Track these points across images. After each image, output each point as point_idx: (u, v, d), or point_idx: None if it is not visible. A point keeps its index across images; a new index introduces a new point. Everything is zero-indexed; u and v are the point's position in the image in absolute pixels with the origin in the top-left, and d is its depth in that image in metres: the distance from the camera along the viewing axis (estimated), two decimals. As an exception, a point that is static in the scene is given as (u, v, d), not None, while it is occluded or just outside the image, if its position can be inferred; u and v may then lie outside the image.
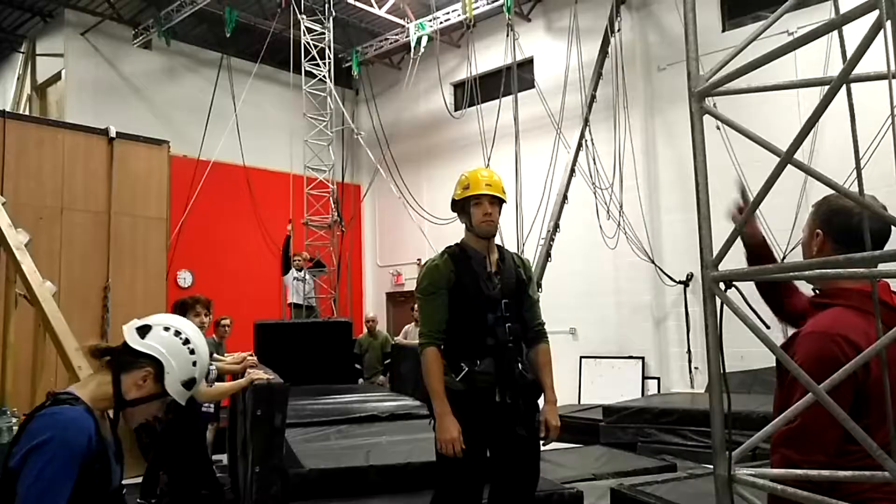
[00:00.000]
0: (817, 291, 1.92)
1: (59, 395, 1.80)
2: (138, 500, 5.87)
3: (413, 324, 9.89)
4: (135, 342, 1.83)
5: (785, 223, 7.94)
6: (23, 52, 12.37)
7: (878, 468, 1.39)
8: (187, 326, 1.92)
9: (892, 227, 1.72)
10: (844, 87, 1.43)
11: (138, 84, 12.35)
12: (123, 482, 1.95)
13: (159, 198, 8.49)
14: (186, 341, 1.87)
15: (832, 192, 1.72)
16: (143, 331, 1.84)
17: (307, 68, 11.98)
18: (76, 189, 7.81)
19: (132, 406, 1.83)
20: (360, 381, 9.17)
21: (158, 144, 8.67)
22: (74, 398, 1.77)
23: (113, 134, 8.11)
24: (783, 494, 1.47)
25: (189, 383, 1.88)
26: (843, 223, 1.81)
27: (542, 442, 3.05)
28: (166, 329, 1.86)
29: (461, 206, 3.12)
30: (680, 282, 10.23)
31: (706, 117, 1.65)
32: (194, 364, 1.87)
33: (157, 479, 5.85)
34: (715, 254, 1.62)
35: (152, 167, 8.48)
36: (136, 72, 12.36)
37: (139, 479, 6.22)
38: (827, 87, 1.39)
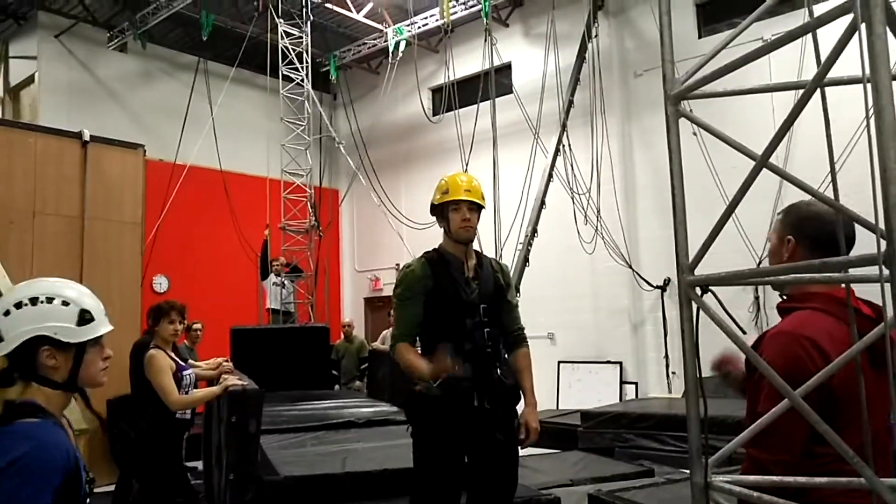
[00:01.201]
0: (784, 297, 1.94)
1: (20, 404, 1.63)
2: (110, 509, 5.76)
3: (390, 329, 9.82)
4: (5, 348, 1.66)
5: (760, 227, 8.01)
6: (-5, 54, 12.17)
7: (845, 471, 1.39)
8: (24, 290, 1.73)
9: (856, 234, 1.75)
10: (819, 91, 1.43)
11: (113, 88, 12.20)
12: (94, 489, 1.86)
13: (134, 202, 8.34)
14: (33, 301, 1.69)
15: (806, 197, 1.73)
16: None
17: (284, 72, 11.92)
18: (48, 193, 7.65)
19: (75, 380, 1.72)
20: (337, 386, 9.11)
21: (133, 148, 8.52)
22: (40, 409, 1.62)
23: (87, 137, 7.97)
24: (759, 502, 1.46)
25: (83, 318, 1.72)
26: (814, 229, 1.82)
27: (520, 445, 3.04)
28: (6, 314, 1.68)
29: (440, 210, 3.11)
30: (657, 287, 10.29)
31: (683, 123, 1.65)
32: (64, 303, 1.71)
33: (129, 487, 5.75)
34: (691, 258, 1.62)
35: (127, 171, 8.33)
36: (111, 75, 12.21)
37: (111, 487, 6.12)
38: (802, 91, 1.39)
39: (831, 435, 1.33)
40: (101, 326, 1.77)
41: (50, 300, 1.71)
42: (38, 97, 11.33)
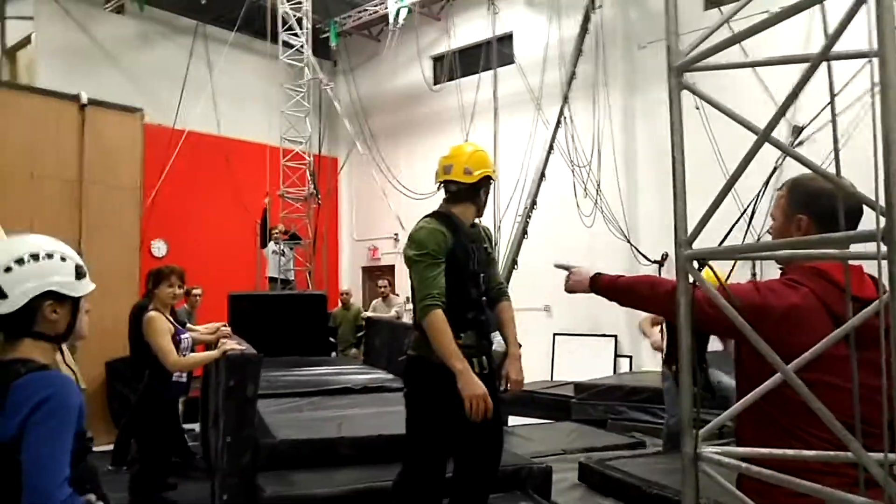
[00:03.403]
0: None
1: (24, 361, 1.63)
2: (109, 467, 5.85)
3: (380, 299, 9.90)
4: (11, 306, 1.64)
5: (761, 204, 8.03)
6: (-9, 14, 11.98)
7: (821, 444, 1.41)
8: (19, 246, 1.70)
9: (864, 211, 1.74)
10: (826, 66, 1.42)
11: (111, 50, 12.03)
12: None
13: (132, 167, 8.30)
14: (35, 256, 1.68)
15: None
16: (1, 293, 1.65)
17: (284, 38, 11.78)
18: (46, 156, 7.60)
19: (69, 333, 1.76)
20: (334, 354, 9.17)
21: (132, 112, 8.45)
22: (45, 365, 1.65)
23: (84, 100, 7.89)
24: (748, 473, 1.48)
25: (79, 273, 1.75)
26: (826, 205, 1.77)
27: (503, 395, 3.09)
28: (8, 270, 1.64)
29: (473, 186, 3.04)
30: (654, 261, 10.30)
31: (687, 98, 1.63)
32: (62, 258, 1.73)
33: (128, 446, 5.83)
34: (689, 232, 1.62)
35: (125, 135, 8.27)
36: (108, 37, 12.04)
37: (110, 447, 6.20)
38: (807, 66, 1.38)
39: (823, 411, 1.34)
40: (89, 285, 1.80)
41: (49, 256, 1.72)
42: (34, 58, 11.19)
